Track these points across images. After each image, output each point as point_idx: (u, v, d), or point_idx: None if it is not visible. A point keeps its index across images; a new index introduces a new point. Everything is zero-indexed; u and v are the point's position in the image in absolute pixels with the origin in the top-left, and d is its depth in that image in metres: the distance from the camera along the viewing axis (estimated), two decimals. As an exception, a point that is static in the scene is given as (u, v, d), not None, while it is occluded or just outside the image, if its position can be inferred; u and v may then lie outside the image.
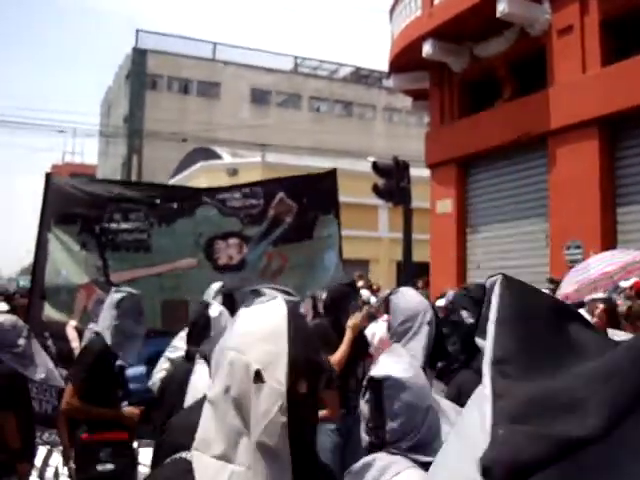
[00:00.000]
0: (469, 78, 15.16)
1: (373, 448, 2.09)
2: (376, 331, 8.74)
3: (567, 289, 7.62)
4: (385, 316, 9.27)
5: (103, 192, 6.31)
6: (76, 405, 4.12)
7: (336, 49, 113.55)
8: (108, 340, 4.25)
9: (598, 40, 11.76)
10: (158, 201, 6.43)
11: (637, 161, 11.37)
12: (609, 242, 11.26)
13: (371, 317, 9.44)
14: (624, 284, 8.02)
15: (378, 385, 2.09)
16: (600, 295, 7.57)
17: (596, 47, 11.79)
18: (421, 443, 2.03)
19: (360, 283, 16.40)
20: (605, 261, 7.87)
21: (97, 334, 4.32)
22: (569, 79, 12.22)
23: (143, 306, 4.62)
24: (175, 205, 6.45)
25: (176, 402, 3.28)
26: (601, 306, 6.13)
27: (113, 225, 6.19)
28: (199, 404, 1.63)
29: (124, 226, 6.22)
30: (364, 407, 2.14)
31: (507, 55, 13.75)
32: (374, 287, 16.30)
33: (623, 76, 11.07)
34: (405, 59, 15.46)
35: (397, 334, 3.29)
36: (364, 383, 2.18)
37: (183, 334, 4.91)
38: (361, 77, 43.57)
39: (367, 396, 2.14)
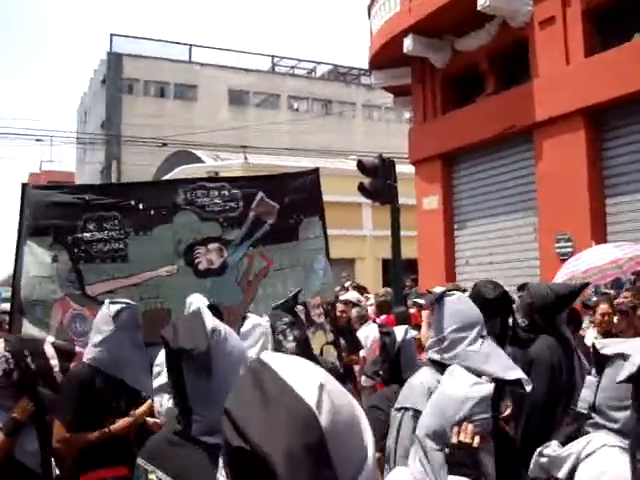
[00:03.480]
0: (451, 73, 15.00)
1: None
2: (369, 334, 8.60)
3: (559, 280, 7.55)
4: (377, 319, 9.11)
5: (76, 200, 6.05)
6: (67, 438, 3.85)
7: (313, 47, 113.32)
8: (100, 358, 4.04)
9: (581, 31, 11.64)
10: (133, 203, 6.17)
11: (623, 151, 11.26)
12: (599, 233, 11.16)
13: (363, 319, 9.30)
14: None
15: None
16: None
17: (579, 38, 11.67)
18: None
19: (348, 283, 16.27)
20: (600, 253, 7.81)
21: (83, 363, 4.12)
22: (552, 71, 12.09)
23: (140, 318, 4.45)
24: (152, 212, 6.20)
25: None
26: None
27: (87, 235, 5.90)
28: None
29: (98, 236, 5.94)
30: None
31: (489, 48, 13.60)
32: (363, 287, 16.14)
33: (606, 66, 10.97)
34: (385, 55, 15.29)
35: (447, 340, 3.07)
36: None
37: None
38: (339, 75, 43.46)
39: None
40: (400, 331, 4.36)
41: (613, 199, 11.41)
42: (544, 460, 2.54)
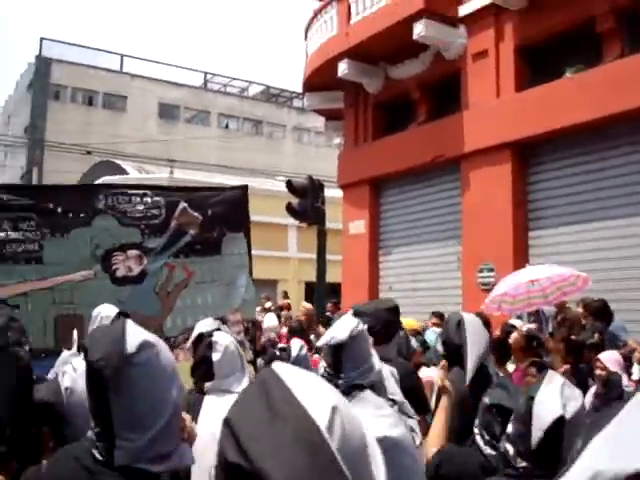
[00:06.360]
0: (384, 99, 15.10)
1: None
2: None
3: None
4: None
5: None
6: None
7: (247, 67, 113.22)
8: None
9: (513, 66, 11.88)
10: (51, 206, 5.90)
11: (548, 185, 11.50)
12: (520, 265, 11.26)
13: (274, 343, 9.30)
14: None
15: None
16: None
17: (510, 72, 11.91)
18: None
19: (267, 304, 16.05)
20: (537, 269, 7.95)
21: None
22: (483, 103, 12.29)
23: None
24: (71, 215, 5.94)
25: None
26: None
27: (1, 235, 5.64)
28: None
29: (13, 236, 5.65)
30: None
31: (422, 77, 13.75)
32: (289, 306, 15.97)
33: (535, 102, 11.20)
34: (320, 78, 15.29)
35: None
36: None
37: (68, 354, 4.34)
38: (271, 96, 43.44)
39: None
40: (296, 346, 4.33)
41: (536, 232, 11.61)
42: None
